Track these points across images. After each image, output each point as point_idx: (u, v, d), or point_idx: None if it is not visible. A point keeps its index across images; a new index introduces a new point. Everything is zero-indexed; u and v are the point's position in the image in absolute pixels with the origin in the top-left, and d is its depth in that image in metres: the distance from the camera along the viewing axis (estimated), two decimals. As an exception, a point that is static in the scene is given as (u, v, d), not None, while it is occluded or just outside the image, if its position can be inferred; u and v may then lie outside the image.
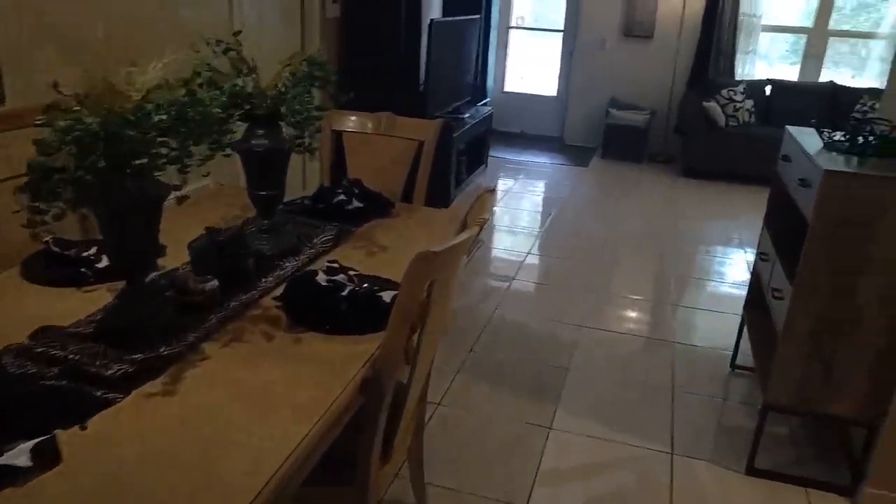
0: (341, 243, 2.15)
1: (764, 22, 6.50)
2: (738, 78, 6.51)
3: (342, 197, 2.45)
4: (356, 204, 2.43)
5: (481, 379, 2.90)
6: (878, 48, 6.45)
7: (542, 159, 6.84)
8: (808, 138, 2.42)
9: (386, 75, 4.57)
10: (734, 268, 4.40)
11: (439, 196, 5.07)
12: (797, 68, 6.72)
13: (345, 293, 1.73)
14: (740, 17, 6.41)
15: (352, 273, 1.80)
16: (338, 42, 4.52)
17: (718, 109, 6.08)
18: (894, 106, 2.59)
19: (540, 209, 5.48)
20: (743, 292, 3.87)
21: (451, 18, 5.18)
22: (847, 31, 6.70)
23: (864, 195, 1.99)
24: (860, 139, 2.20)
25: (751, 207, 5.58)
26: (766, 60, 6.82)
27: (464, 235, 1.48)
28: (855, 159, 2.16)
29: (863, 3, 6.75)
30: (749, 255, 4.55)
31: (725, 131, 6.09)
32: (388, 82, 4.58)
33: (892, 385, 2.13)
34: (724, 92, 6.17)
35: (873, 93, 6.07)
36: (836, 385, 2.19)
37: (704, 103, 6.11)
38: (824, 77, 6.60)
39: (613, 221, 5.07)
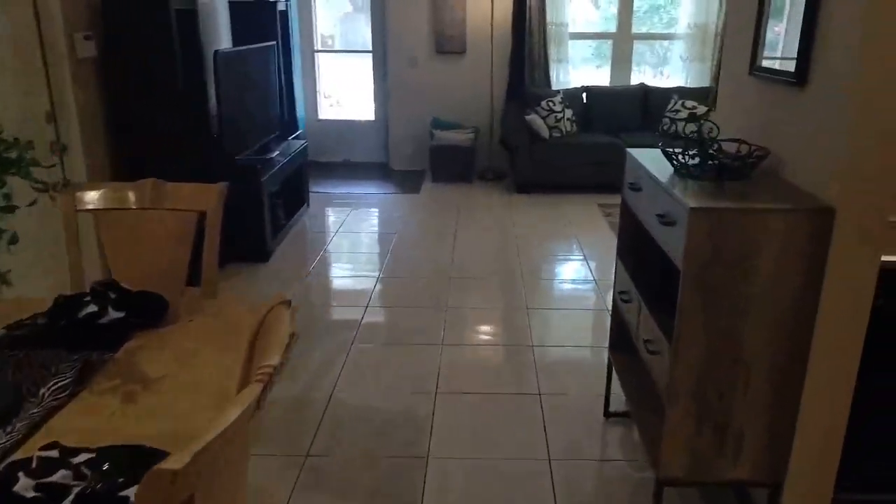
0: (88, 384, 1.50)
1: (571, 30, 6.51)
2: (554, 87, 6.46)
3: (92, 307, 1.78)
4: (113, 314, 1.78)
5: (325, 494, 2.33)
6: (675, 48, 6.70)
7: (370, 189, 6.36)
8: (654, 163, 2.13)
9: (168, 121, 3.84)
10: (583, 290, 4.18)
11: (255, 251, 4.41)
12: (607, 71, 6.83)
13: (70, 500, 1.10)
14: (548, 27, 6.36)
15: (81, 460, 1.18)
16: (98, 88, 3.71)
17: (541, 121, 5.96)
18: (727, 119, 2.39)
19: (376, 249, 4.99)
20: (596, 319, 3.66)
21: (240, 48, 4.54)
22: (648, 33, 6.92)
23: (736, 231, 1.69)
24: (714, 162, 1.93)
25: (585, 218, 5.48)
26: (577, 66, 6.85)
27: (230, 416, 0.92)
28: (711, 185, 1.88)
29: (653, 5, 7.02)
30: (596, 272, 4.36)
31: (550, 143, 5.98)
32: (171, 130, 3.85)
33: (791, 439, 1.86)
34: (543, 103, 6.07)
35: (681, 92, 6.27)
36: (732, 448, 1.88)
37: (526, 117, 5.96)
38: (633, 79, 6.76)
39: (455, 252, 4.70)
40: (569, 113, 6.14)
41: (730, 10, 2.44)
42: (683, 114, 6.05)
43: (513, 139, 6.08)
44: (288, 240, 4.92)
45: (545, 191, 6.08)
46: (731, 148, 2.01)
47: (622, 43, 6.65)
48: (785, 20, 1.98)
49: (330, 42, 7.16)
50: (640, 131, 6.21)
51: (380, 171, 6.94)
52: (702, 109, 6.04)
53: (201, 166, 3.72)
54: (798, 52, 1.82)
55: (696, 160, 1.97)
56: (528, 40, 6.35)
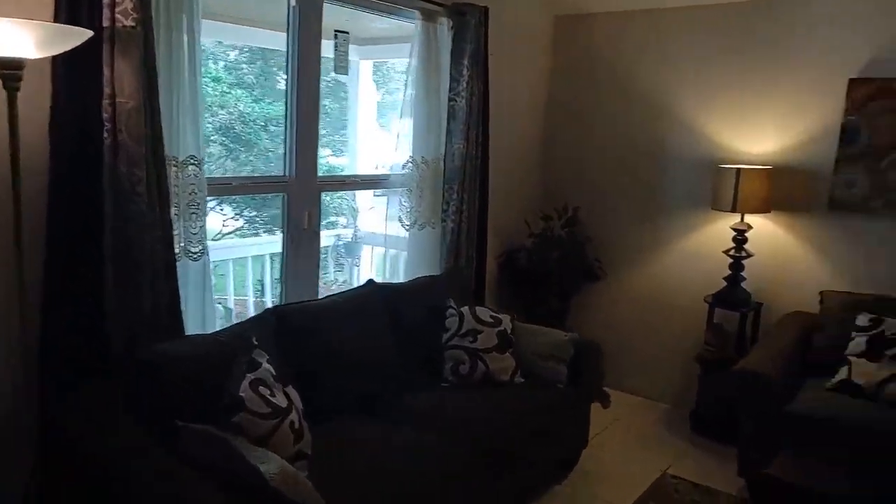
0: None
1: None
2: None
3: None
4: None
5: None
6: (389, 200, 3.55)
7: None
8: None
9: None
10: None
11: None
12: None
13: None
14: (170, 167, 2.32)
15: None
16: None
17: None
18: None
19: None
20: None
21: None
22: (342, 177, 3.51)
23: None
24: None
25: None
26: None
27: None
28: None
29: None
30: None
31: None
32: None
33: None
34: (263, 370, 2.00)
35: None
36: None
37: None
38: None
39: None
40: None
41: None
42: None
43: None
44: None
45: None
46: None
47: (301, 198, 3.06)
48: None
49: None
50: (417, 388, 2.81)
51: None
52: (506, 320, 3.11)
53: None
54: None
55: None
56: (113, 195, 2.14)
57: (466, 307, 3.10)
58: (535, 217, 4.32)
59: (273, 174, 3.56)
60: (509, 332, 3.08)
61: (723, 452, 3.45)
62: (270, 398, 2.05)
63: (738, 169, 3.38)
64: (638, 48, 3.98)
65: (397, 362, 2.85)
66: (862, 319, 3.04)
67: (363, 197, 5.11)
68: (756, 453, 2.96)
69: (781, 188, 3.47)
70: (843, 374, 2.97)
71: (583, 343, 3.12)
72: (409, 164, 3.41)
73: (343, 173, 4.88)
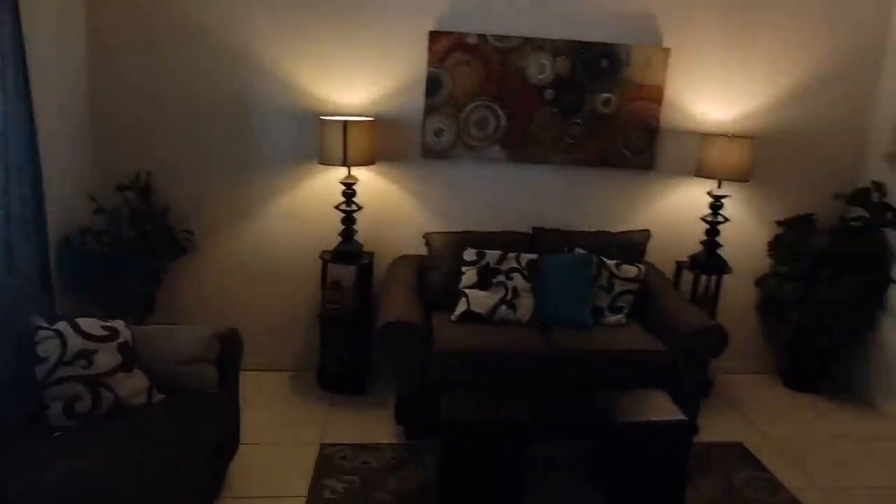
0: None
1: None
2: None
3: None
4: None
5: None
6: None
7: None
8: None
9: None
10: None
11: None
12: None
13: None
14: None
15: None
16: None
17: None
18: None
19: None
20: None
21: None
22: None
23: None
24: None
25: None
26: None
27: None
28: None
29: None
30: None
31: None
32: None
33: None
34: None
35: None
36: None
37: None
38: None
39: None
40: None
41: None
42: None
43: None
44: None
45: None
46: None
47: None
48: None
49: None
50: (12, 453, 1.94)
51: None
52: (122, 328, 2.39)
53: None
54: None
55: None
56: None
57: (65, 322, 2.27)
58: (103, 189, 3.46)
59: None
60: (131, 342, 2.38)
61: (358, 403, 3.47)
62: None
63: (345, 122, 3.28)
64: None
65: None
66: (469, 254, 3.36)
67: None
68: (412, 398, 3.05)
69: (383, 139, 3.52)
70: (462, 305, 3.26)
71: (226, 335, 2.63)
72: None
73: None
